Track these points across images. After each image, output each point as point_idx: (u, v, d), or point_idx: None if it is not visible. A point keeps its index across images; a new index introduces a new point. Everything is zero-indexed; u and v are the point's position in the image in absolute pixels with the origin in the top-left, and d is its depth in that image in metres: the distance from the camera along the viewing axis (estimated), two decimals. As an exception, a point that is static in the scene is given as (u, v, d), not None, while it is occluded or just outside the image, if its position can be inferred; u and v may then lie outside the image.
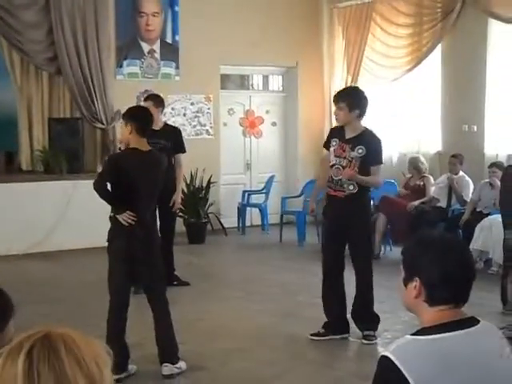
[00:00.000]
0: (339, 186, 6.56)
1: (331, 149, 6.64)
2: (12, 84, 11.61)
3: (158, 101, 8.79)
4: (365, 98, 6.75)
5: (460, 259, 2.40)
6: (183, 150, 8.79)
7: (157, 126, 8.52)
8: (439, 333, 2.29)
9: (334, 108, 12.85)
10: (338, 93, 6.90)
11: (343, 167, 6.52)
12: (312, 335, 6.68)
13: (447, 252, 2.40)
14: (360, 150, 6.52)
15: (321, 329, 6.69)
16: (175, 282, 8.73)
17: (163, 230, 8.50)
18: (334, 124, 12.98)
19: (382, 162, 6.75)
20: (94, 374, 1.47)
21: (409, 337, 2.32)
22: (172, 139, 8.64)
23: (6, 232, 10.35)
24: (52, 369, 1.44)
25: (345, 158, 6.54)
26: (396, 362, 2.20)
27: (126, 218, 5.57)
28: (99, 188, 5.69)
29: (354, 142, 6.55)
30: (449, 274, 2.35)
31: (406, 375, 2.17)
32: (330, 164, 6.63)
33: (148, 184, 5.71)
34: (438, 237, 2.56)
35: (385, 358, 2.24)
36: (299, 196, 12.39)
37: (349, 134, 6.58)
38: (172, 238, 8.89)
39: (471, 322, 2.37)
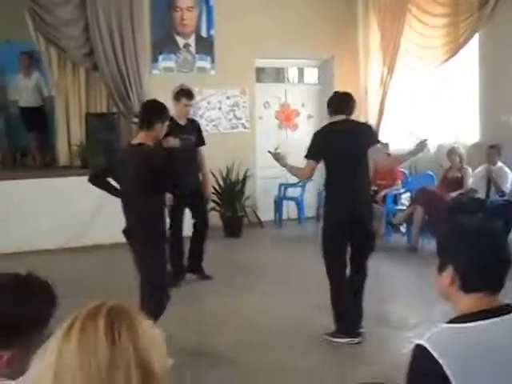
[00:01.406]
0: None
1: None
2: (50, 80, 11.76)
3: (192, 95, 8.84)
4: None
5: (493, 245, 2.35)
6: (204, 143, 8.87)
7: (183, 121, 8.59)
8: (474, 320, 2.26)
9: (369, 99, 12.82)
10: None
11: None
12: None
13: (479, 238, 2.36)
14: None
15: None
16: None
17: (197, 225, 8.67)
18: (371, 116, 12.97)
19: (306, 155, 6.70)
20: (158, 347, 1.51)
21: (444, 325, 2.29)
22: (195, 133, 8.72)
23: (43, 227, 10.46)
24: (130, 331, 1.47)
25: None
26: (430, 350, 2.17)
27: None
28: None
29: None
30: (481, 261, 2.32)
31: (440, 362, 2.14)
32: None
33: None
34: (470, 223, 2.52)
35: (419, 347, 2.22)
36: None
37: None
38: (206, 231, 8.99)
39: (507, 309, 2.33)
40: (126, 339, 1.46)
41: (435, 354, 2.16)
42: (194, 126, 8.81)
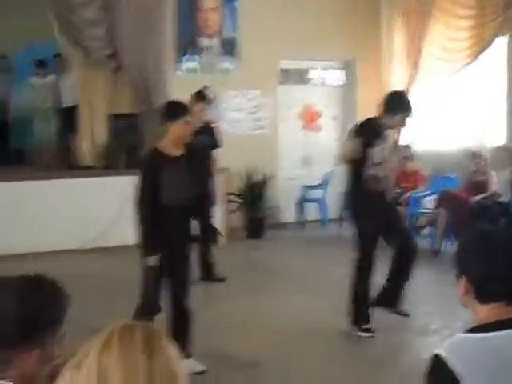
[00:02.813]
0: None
1: (378, 148, 6.57)
2: (74, 80, 11.85)
3: (208, 99, 8.85)
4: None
5: (506, 255, 2.31)
6: (218, 146, 8.92)
7: (198, 124, 8.60)
8: (492, 331, 2.23)
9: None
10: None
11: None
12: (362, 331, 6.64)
13: (492, 248, 2.33)
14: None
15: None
16: (213, 278, 8.87)
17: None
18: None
19: None
20: (180, 368, 1.56)
21: (462, 335, 2.27)
22: (208, 136, 8.71)
23: (66, 227, 10.52)
24: (163, 351, 1.53)
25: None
26: (447, 360, 2.15)
27: None
28: None
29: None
30: (493, 271, 2.29)
31: (458, 373, 2.13)
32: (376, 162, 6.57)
33: None
34: (484, 232, 2.48)
35: (437, 356, 2.20)
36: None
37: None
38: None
39: (527, 320, 2.30)
40: (160, 355, 1.51)
41: (453, 364, 2.14)
42: (208, 129, 8.80)
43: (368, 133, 6.58)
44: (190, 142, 5.98)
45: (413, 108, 6.65)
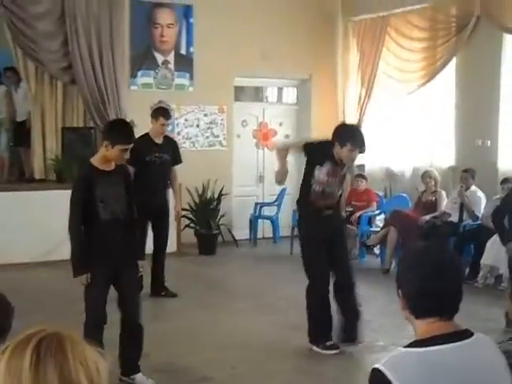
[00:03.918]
0: (327, 196, 6.71)
1: (324, 169, 6.65)
2: (27, 93, 11.73)
3: (169, 115, 8.89)
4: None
5: (436, 271, 2.36)
6: (181, 161, 8.92)
7: (160, 140, 8.62)
8: (431, 345, 2.27)
9: (346, 120, 12.91)
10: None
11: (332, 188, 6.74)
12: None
13: (423, 264, 2.38)
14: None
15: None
16: (163, 293, 8.80)
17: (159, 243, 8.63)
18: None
19: None
20: (94, 376, 1.50)
21: (401, 349, 2.31)
22: (171, 151, 8.72)
23: (17, 240, 10.39)
24: (58, 365, 1.46)
25: (331, 185, 6.72)
26: (387, 374, 2.19)
27: None
28: None
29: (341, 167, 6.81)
30: (424, 288, 2.34)
31: (395, 385, 2.16)
32: (319, 181, 6.64)
33: None
34: (418, 249, 2.54)
35: (376, 370, 2.24)
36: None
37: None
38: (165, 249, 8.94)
39: (465, 334, 2.35)
40: (51, 373, 1.46)
41: (391, 378, 2.17)
42: (170, 145, 8.83)
43: (317, 151, 6.69)
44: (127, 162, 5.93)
45: (364, 143, 6.63)
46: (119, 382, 5.71)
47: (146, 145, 8.36)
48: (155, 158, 8.48)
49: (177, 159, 8.89)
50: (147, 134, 8.65)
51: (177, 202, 9.03)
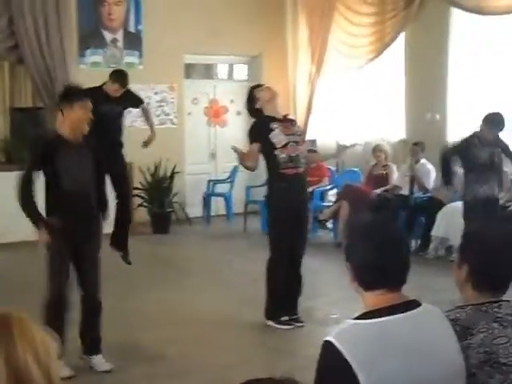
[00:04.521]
0: (296, 163, 6.66)
1: (276, 131, 6.65)
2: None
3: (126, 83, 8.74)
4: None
5: (381, 244, 2.40)
6: (142, 101, 9.25)
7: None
8: (378, 317, 2.32)
9: (298, 96, 12.89)
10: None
11: (297, 143, 6.71)
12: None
13: (369, 237, 2.42)
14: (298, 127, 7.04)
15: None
16: (121, 254, 8.55)
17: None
18: (299, 113, 13.07)
19: None
20: (43, 359, 1.48)
21: (350, 321, 2.35)
22: (127, 101, 8.71)
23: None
24: (3, 348, 1.45)
25: (293, 134, 6.73)
26: (338, 346, 2.22)
27: None
28: None
29: (290, 121, 6.94)
30: (370, 259, 2.38)
31: (348, 358, 2.20)
32: (282, 144, 6.63)
33: None
34: (365, 222, 2.57)
35: (327, 343, 2.27)
36: (263, 185, 12.37)
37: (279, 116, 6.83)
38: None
39: (412, 305, 2.39)
40: (8, 345, 1.45)
41: (341, 349, 2.21)
42: (125, 96, 8.68)
43: (260, 123, 6.81)
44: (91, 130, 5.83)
45: None
46: (80, 359, 5.71)
47: (100, 97, 8.15)
48: (108, 109, 8.35)
49: (136, 102, 9.02)
50: (101, 86, 8.56)
51: (150, 138, 9.13)
